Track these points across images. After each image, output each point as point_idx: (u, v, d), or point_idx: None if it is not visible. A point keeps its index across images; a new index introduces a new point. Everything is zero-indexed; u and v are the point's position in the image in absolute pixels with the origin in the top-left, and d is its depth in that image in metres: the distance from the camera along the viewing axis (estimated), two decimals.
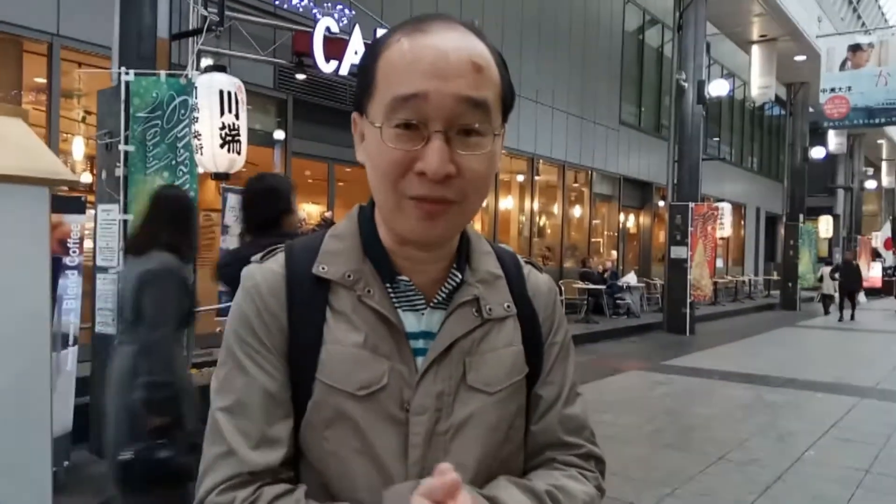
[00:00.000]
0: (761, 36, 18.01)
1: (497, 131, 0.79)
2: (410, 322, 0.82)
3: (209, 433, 0.80)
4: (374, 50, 0.80)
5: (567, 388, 0.91)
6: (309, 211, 10.11)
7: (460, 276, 0.86)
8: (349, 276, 0.82)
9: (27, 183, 1.00)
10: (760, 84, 18.22)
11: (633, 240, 17.35)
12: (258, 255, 0.87)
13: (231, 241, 5.38)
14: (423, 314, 0.83)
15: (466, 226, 0.89)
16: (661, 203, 16.28)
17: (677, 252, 12.74)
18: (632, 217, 17.20)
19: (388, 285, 0.83)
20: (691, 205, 12.71)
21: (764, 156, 24.47)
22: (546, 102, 13.06)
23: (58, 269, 2.16)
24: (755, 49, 18.37)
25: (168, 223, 2.70)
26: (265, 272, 0.84)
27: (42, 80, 6.37)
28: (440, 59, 0.74)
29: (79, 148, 7.09)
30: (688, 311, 12.38)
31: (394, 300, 0.83)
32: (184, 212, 2.85)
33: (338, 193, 9.49)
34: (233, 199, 5.70)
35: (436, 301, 0.84)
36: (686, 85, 13.30)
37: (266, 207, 2.70)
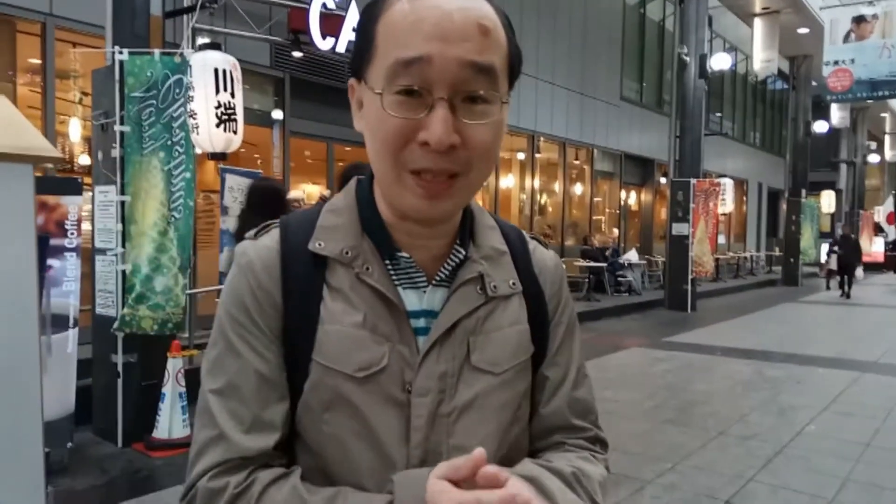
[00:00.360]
0: (764, 8, 17.80)
1: (504, 98, 0.75)
2: (411, 300, 0.79)
3: (200, 415, 0.78)
4: (373, 10, 0.75)
5: (575, 370, 0.89)
6: (308, 191, 10.08)
7: (464, 253, 0.82)
8: (347, 253, 0.79)
9: (10, 161, 0.98)
10: (763, 58, 18.04)
11: (635, 217, 17.31)
12: (252, 232, 0.84)
13: (230, 222, 5.35)
14: (424, 292, 0.80)
15: (471, 203, 0.86)
16: (663, 180, 16.21)
17: (679, 229, 12.71)
18: (633, 194, 17.14)
19: (387, 262, 0.80)
20: (693, 181, 12.65)
21: (766, 131, 24.31)
22: (546, 79, 12.94)
23: (45, 248, 2.16)
24: (758, 22, 18.16)
25: (263, 210, 3.10)
26: (259, 248, 0.80)
27: (36, 62, 6.30)
28: (444, 20, 0.69)
29: (76, 129, 7.04)
30: (689, 287, 12.38)
31: (394, 278, 0.79)
32: (275, 199, 3.43)
33: (337, 173, 9.45)
34: (231, 180, 5.66)
35: (438, 278, 0.81)
36: (688, 59, 13.17)
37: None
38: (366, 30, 0.74)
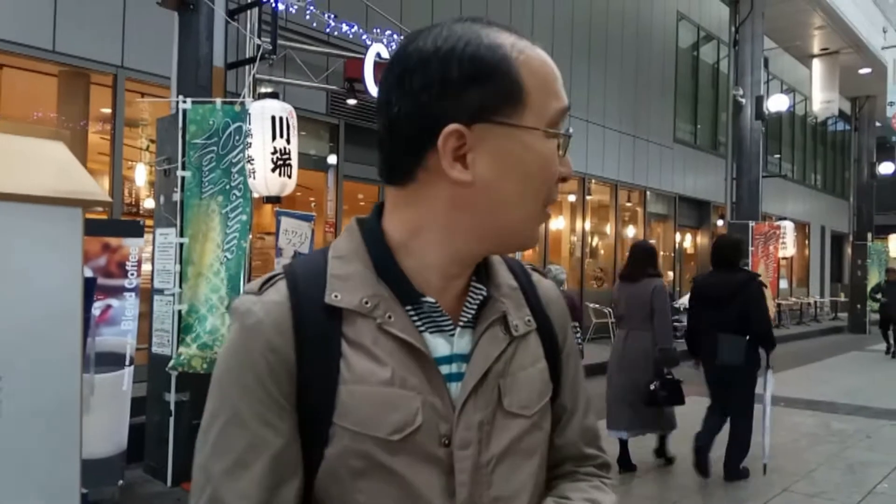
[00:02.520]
0: (822, 49, 17.44)
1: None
2: (439, 346, 0.75)
3: (200, 494, 0.71)
4: (497, 52, 0.71)
5: (584, 398, 0.90)
6: None
7: (486, 291, 0.80)
8: (366, 303, 0.73)
9: (62, 204, 1.02)
10: (823, 99, 17.60)
11: (690, 260, 16.89)
12: (254, 285, 0.77)
13: (284, 263, 5.46)
14: (451, 336, 0.76)
15: None
16: (720, 222, 15.83)
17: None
18: (688, 237, 16.77)
19: (408, 308, 0.75)
20: (751, 224, 12.30)
21: (828, 172, 23.56)
22: (597, 121, 12.93)
23: (92, 288, 2.26)
24: (816, 63, 17.79)
25: (646, 261, 5.07)
26: (267, 305, 0.73)
27: (107, 111, 6.68)
28: (556, 70, 0.77)
29: (141, 175, 7.38)
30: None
31: (418, 324, 0.75)
32: (652, 254, 5.21)
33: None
34: (286, 223, 5.80)
35: (464, 320, 0.78)
36: (743, 101, 12.96)
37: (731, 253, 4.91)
38: (499, 74, 0.71)
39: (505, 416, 0.76)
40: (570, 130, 0.78)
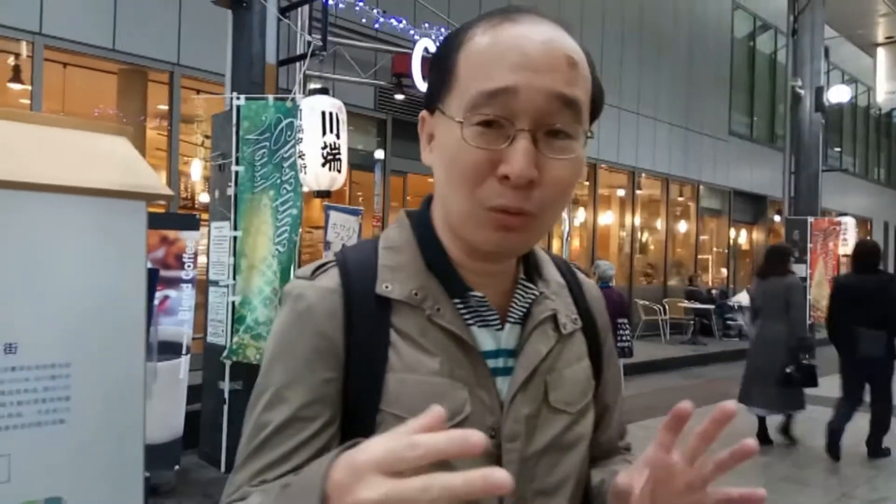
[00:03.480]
0: (887, 38, 16.70)
1: (589, 134, 0.71)
2: (485, 340, 0.76)
3: (243, 474, 0.72)
4: (453, 41, 0.73)
5: (621, 395, 0.91)
6: None
7: (535, 289, 0.80)
8: (416, 294, 0.74)
9: (126, 198, 1.06)
10: (887, 89, 16.86)
11: (745, 257, 16.42)
12: (307, 270, 0.78)
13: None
14: (497, 331, 0.77)
15: None
16: (777, 218, 15.33)
17: (795, 270, 11.92)
18: (743, 232, 16.29)
19: (456, 301, 0.76)
20: (810, 219, 11.87)
21: (892, 166, 22.54)
22: (648, 114, 12.67)
23: (154, 280, 2.34)
24: (881, 52, 17.04)
25: (780, 261, 5.79)
26: (319, 291, 0.74)
27: (164, 107, 6.88)
28: (533, 50, 0.67)
29: (197, 169, 7.59)
30: (808, 334, 11.52)
31: (466, 317, 0.76)
32: (785, 255, 6.00)
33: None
34: (334, 217, 5.88)
35: (514, 316, 0.78)
36: (802, 92, 12.51)
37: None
38: (444, 59, 0.73)
39: (550, 411, 0.77)
40: (498, 117, 0.67)
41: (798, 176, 12.58)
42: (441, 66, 0.73)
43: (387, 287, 0.74)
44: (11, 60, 6.23)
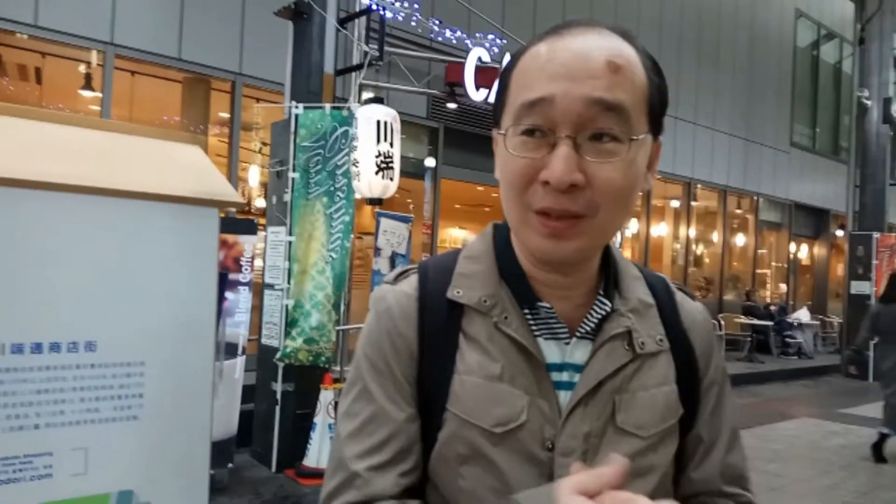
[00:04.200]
0: None
1: (636, 135, 0.70)
2: (552, 352, 0.77)
3: (333, 457, 0.79)
4: (511, 61, 0.77)
5: (728, 432, 0.83)
6: (454, 236, 10.32)
7: (609, 305, 0.79)
8: (485, 301, 0.77)
9: (200, 205, 1.11)
10: None
11: (806, 272, 15.84)
12: (391, 276, 0.85)
13: (382, 263, 5.60)
14: (566, 344, 0.77)
15: (612, 248, 0.83)
16: (840, 232, 14.75)
17: (858, 287, 11.45)
18: (804, 247, 15.73)
19: (526, 311, 0.77)
20: (875, 235, 11.40)
21: None
22: (705, 124, 12.39)
23: (224, 283, 2.43)
24: None
25: None
26: (398, 295, 0.81)
27: (225, 115, 7.10)
28: (572, 60, 0.69)
29: (254, 176, 7.80)
30: (871, 353, 11.03)
31: (533, 328, 0.77)
32: None
33: (484, 218, 9.62)
34: (385, 224, 5.95)
35: (582, 331, 0.77)
36: (869, 103, 12.05)
37: None
38: (503, 80, 0.77)
39: (617, 432, 0.75)
40: (539, 127, 0.69)
41: (863, 189, 12.12)
42: (500, 86, 0.78)
43: (458, 293, 0.78)
44: (83, 68, 6.54)
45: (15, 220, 1.09)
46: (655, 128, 0.74)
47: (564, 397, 0.75)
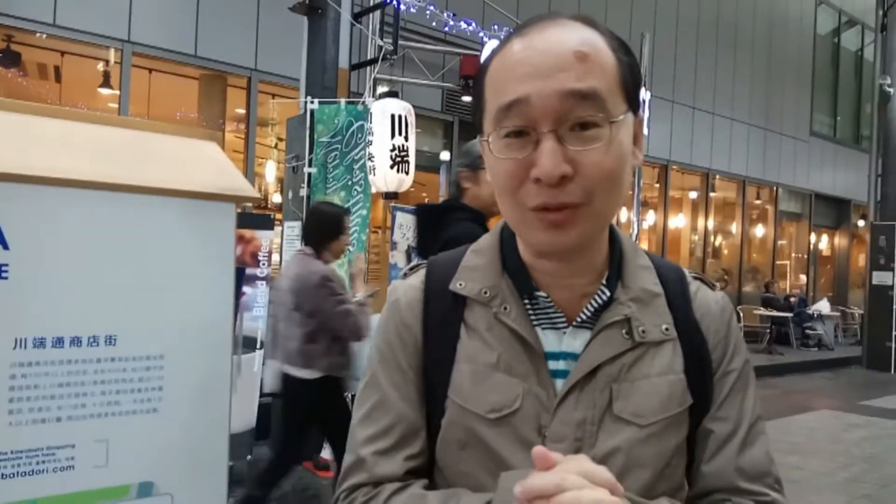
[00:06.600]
0: None
1: (615, 117, 0.70)
2: (550, 341, 0.78)
3: (348, 443, 0.83)
4: (482, 67, 0.78)
5: (745, 425, 0.80)
6: None
7: (609, 293, 0.79)
8: (485, 293, 0.80)
9: (217, 200, 1.12)
10: None
11: (827, 263, 15.65)
12: (405, 270, 0.89)
13: (398, 257, 5.61)
14: (564, 333, 0.78)
15: (621, 238, 0.83)
16: (861, 223, 14.54)
17: (880, 278, 11.28)
18: (825, 238, 15.54)
19: (526, 302, 0.79)
20: None
21: None
22: (724, 114, 12.25)
23: (241, 278, 2.46)
24: None
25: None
26: (406, 288, 0.85)
27: (241, 111, 7.15)
28: (539, 57, 0.70)
29: (271, 171, 7.84)
30: (893, 345, 10.89)
31: (532, 318, 0.78)
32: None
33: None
34: (401, 217, 5.96)
35: (580, 320, 0.78)
36: (891, 90, 11.82)
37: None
38: (477, 88, 0.79)
39: (614, 420, 0.75)
40: (521, 127, 0.70)
41: (885, 179, 11.90)
42: (475, 94, 0.80)
43: (460, 285, 0.82)
44: (101, 66, 6.61)
45: (37, 216, 1.12)
46: (633, 105, 0.75)
47: (560, 385, 0.76)
